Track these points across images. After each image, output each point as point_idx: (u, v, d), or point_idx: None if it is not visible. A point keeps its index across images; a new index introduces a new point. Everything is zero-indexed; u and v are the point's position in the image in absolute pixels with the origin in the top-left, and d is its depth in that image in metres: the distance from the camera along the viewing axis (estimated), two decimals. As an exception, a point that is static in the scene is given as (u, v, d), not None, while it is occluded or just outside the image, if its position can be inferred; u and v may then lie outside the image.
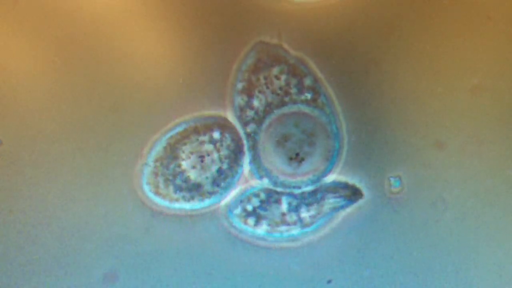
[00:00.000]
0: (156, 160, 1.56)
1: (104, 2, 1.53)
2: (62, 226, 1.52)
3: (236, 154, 1.56)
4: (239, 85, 1.55)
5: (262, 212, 1.56)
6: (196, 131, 1.56)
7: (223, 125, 1.56)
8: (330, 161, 1.55)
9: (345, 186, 1.55)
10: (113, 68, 1.54)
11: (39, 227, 1.52)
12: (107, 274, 1.53)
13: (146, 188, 1.56)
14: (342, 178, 1.55)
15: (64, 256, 1.52)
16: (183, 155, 1.55)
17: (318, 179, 1.56)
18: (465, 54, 1.53)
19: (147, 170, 1.56)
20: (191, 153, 1.55)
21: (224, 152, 1.55)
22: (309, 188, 1.56)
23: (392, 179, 1.53)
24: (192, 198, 1.56)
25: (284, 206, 1.56)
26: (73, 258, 1.52)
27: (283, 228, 1.56)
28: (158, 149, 1.56)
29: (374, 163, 1.54)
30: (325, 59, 1.54)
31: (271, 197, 1.57)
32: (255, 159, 1.57)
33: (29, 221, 1.52)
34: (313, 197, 1.55)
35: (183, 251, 1.55)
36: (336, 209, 1.55)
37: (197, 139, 1.56)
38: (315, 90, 1.55)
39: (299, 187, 1.56)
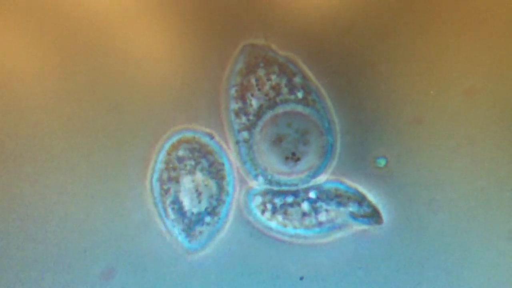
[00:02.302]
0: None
1: (104, 2, 1.55)
2: (61, 224, 1.54)
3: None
4: (232, 90, 1.56)
5: (282, 209, 1.57)
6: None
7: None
8: (325, 157, 1.55)
9: (369, 204, 1.54)
10: (113, 68, 1.56)
11: (37, 224, 1.54)
12: (105, 272, 1.54)
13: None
14: (369, 195, 1.55)
15: (62, 252, 1.54)
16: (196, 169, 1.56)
17: (314, 175, 1.56)
18: (459, 57, 1.53)
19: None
20: (203, 175, 1.57)
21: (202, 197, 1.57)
22: (332, 193, 1.56)
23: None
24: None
25: (306, 206, 1.56)
26: (71, 255, 1.54)
27: (299, 224, 1.56)
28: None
29: (366, 162, 1.55)
30: (319, 60, 1.55)
31: (297, 197, 1.57)
32: (250, 159, 1.57)
33: (28, 218, 1.54)
34: (335, 203, 1.55)
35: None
36: (351, 219, 1.54)
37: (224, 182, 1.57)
38: (306, 88, 1.56)
39: (296, 185, 1.57)
